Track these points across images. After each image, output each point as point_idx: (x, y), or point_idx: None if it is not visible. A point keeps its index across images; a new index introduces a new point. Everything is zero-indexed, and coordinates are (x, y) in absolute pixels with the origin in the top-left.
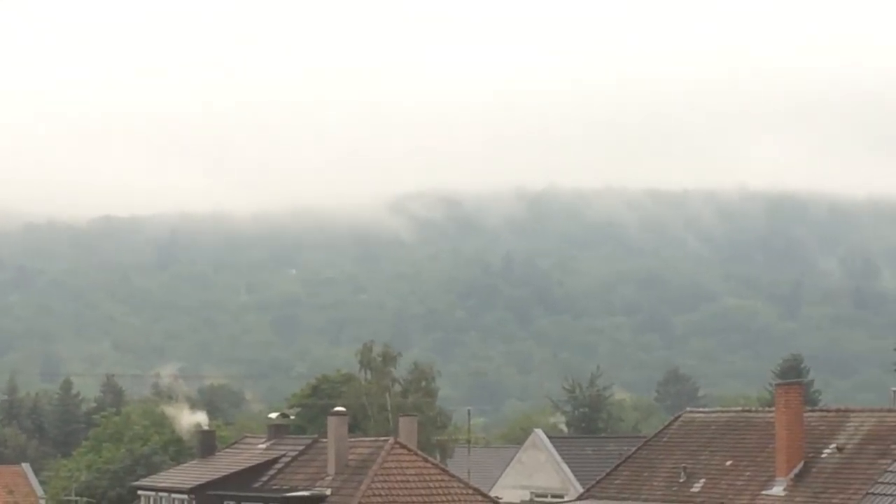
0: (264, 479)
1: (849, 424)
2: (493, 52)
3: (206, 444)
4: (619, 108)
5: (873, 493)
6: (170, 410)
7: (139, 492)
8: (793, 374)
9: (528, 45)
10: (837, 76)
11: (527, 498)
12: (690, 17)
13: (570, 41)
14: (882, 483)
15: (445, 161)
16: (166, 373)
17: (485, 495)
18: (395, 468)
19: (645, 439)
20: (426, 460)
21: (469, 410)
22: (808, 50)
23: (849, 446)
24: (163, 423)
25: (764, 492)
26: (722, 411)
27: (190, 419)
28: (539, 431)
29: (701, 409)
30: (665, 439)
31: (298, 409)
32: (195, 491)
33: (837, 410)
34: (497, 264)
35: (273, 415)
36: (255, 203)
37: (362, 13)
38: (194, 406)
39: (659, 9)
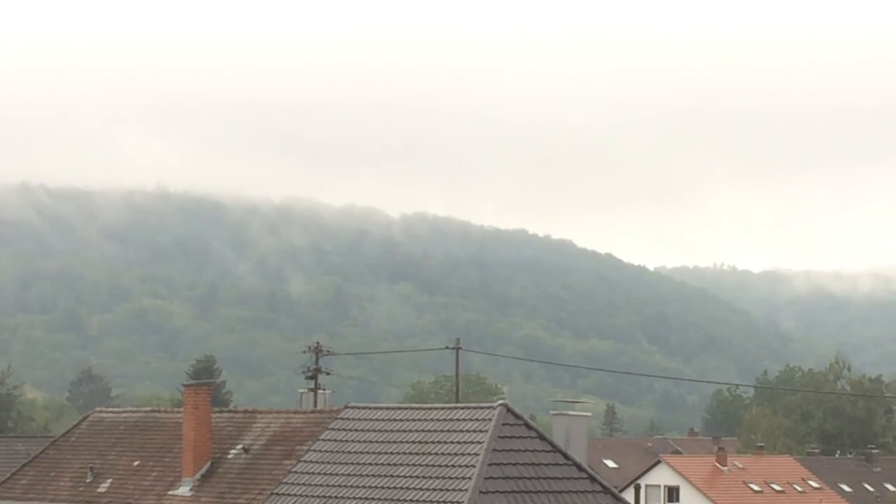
0: None
1: (256, 425)
2: None
3: None
4: (70, 102)
5: (277, 494)
6: None
7: None
8: (206, 375)
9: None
10: (284, 78)
11: None
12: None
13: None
14: (286, 483)
15: None
16: None
17: None
18: None
19: (54, 439)
20: None
21: None
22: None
23: (255, 447)
24: None
25: (171, 492)
26: (132, 411)
27: None
28: None
29: (111, 409)
30: (73, 439)
31: None
32: None
33: (245, 411)
34: None
35: None
36: None
37: None
38: None
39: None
